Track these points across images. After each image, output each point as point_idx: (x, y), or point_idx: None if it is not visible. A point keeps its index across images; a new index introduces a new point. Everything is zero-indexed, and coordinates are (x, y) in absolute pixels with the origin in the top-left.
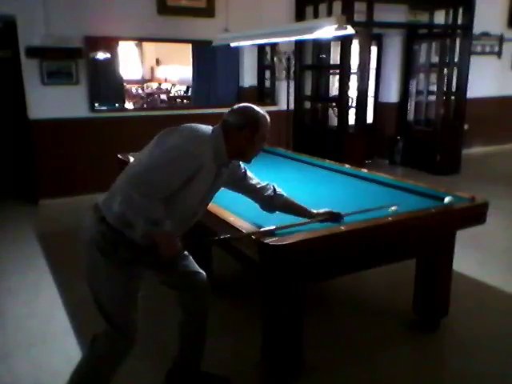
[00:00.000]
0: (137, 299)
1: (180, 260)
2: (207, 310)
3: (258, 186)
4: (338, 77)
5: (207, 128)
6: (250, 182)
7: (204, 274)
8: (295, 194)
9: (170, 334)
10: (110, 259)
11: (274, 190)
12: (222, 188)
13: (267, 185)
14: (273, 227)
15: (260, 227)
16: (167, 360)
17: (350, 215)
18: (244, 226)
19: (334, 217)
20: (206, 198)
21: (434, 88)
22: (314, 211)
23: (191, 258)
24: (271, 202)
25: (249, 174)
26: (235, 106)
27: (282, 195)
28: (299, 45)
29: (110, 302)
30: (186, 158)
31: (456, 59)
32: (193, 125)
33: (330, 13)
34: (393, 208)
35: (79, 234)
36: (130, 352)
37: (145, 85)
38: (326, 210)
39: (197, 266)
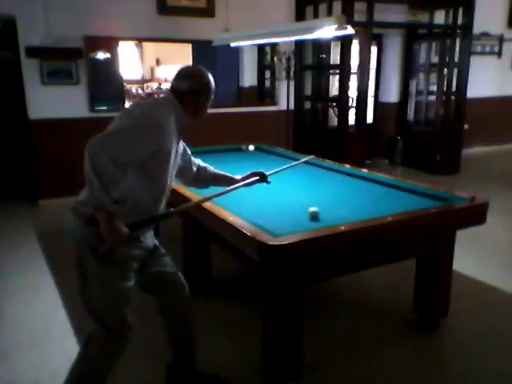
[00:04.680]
0: (130, 297)
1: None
2: (190, 310)
3: (191, 161)
4: (337, 77)
5: (161, 100)
6: (187, 156)
7: (180, 274)
8: (295, 193)
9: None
10: (101, 258)
11: (199, 164)
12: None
13: (195, 159)
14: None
15: (259, 226)
16: (166, 359)
17: (273, 174)
18: (244, 225)
19: (258, 176)
20: (173, 166)
21: (434, 88)
22: (239, 177)
23: (168, 257)
24: (198, 175)
25: (186, 148)
26: (181, 71)
27: (206, 167)
28: (299, 45)
29: (102, 302)
30: (152, 128)
31: (456, 59)
32: (148, 100)
33: (330, 13)
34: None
35: (65, 238)
36: (124, 351)
37: (145, 85)
38: (249, 173)
39: (173, 264)
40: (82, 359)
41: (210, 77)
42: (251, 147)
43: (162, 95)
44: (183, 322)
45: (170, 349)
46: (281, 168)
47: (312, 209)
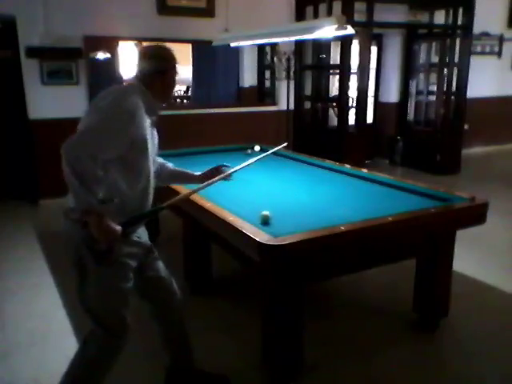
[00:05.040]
0: (129, 298)
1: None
2: (183, 314)
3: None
4: (338, 77)
5: (125, 86)
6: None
7: (173, 279)
8: (295, 193)
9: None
10: (99, 259)
11: (158, 160)
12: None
13: (157, 158)
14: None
15: (259, 226)
16: (164, 363)
17: (237, 170)
18: (244, 225)
19: (220, 171)
20: (152, 153)
21: (434, 88)
22: (199, 173)
23: (161, 262)
24: (160, 172)
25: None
26: (143, 52)
27: (164, 163)
28: (299, 45)
29: (101, 303)
30: (123, 118)
31: (456, 59)
32: (111, 89)
33: (330, 13)
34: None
35: (64, 241)
36: (121, 352)
37: None
38: (210, 168)
39: (165, 269)
40: (79, 359)
41: (173, 52)
42: (257, 148)
43: (129, 82)
44: (178, 327)
45: (167, 353)
46: (246, 163)
47: (264, 212)
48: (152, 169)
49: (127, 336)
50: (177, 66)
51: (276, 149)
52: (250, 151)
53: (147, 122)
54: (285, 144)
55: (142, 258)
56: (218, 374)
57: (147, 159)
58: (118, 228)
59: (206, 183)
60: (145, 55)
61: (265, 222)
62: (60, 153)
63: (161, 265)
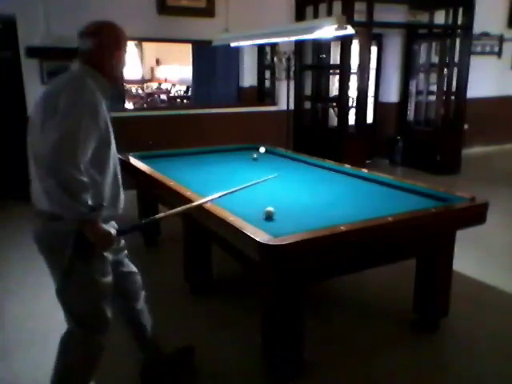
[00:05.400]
0: (109, 290)
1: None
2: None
3: None
4: (337, 77)
5: (73, 75)
6: None
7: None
8: (295, 193)
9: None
10: (80, 256)
11: None
12: None
13: None
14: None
15: (259, 226)
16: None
17: (219, 197)
18: (244, 225)
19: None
20: (112, 137)
21: (434, 88)
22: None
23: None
24: None
25: None
26: (83, 31)
27: None
28: (299, 45)
29: (82, 298)
30: (90, 112)
31: (456, 59)
32: (61, 82)
33: (330, 13)
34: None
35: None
36: (104, 349)
37: (145, 85)
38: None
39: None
40: (62, 366)
41: (117, 26)
42: (262, 149)
43: (73, 68)
44: (146, 319)
45: (139, 348)
46: (226, 192)
47: (268, 208)
48: (115, 149)
49: (108, 331)
50: (124, 37)
51: (265, 179)
52: (255, 155)
53: (104, 105)
54: (275, 175)
55: (117, 253)
56: (183, 347)
57: (112, 142)
58: (113, 231)
59: (205, 199)
60: (88, 33)
61: (269, 217)
62: (38, 165)
63: (128, 260)
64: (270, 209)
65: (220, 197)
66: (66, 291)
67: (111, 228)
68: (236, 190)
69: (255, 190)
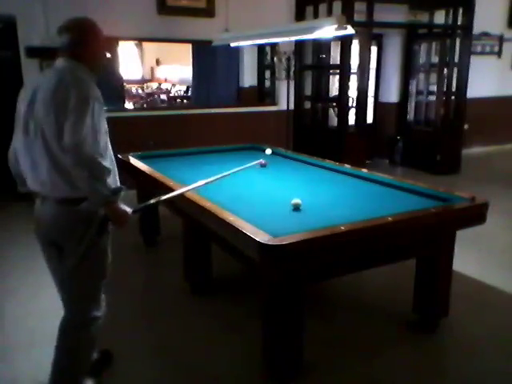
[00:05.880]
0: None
1: None
2: None
3: None
4: (337, 77)
5: (70, 68)
6: None
7: None
8: (295, 193)
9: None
10: (100, 232)
11: None
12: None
13: None
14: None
15: (259, 226)
16: (166, 358)
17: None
18: (244, 225)
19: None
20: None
21: (434, 88)
22: None
23: None
24: None
25: None
26: (59, 30)
27: None
28: (299, 45)
29: (95, 278)
30: (96, 105)
31: (456, 59)
32: (60, 76)
33: (330, 13)
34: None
35: (39, 232)
36: (100, 330)
37: (145, 85)
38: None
39: None
40: (65, 352)
41: (89, 18)
42: (268, 151)
43: (58, 64)
44: None
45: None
46: (219, 176)
47: (295, 200)
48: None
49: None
50: (97, 28)
51: (252, 164)
52: (264, 162)
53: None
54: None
55: None
56: (101, 351)
57: (107, 128)
58: (129, 210)
59: (206, 181)
60: (64, 28)
61: (296, 208)
62: (69, 157)
63: None
64: (297, 200)
65: (213, 181)
66: (81, 269)
67: (126, 207)
68: (223, 176)
69: (255, 190)
